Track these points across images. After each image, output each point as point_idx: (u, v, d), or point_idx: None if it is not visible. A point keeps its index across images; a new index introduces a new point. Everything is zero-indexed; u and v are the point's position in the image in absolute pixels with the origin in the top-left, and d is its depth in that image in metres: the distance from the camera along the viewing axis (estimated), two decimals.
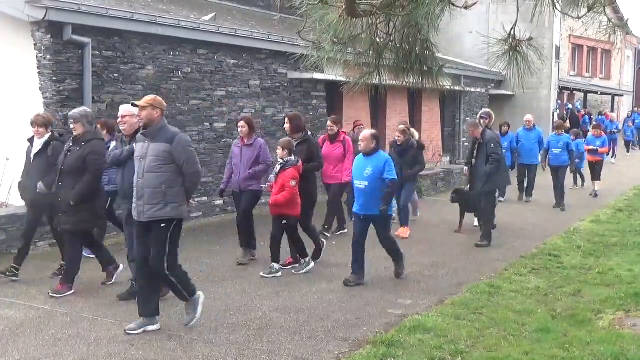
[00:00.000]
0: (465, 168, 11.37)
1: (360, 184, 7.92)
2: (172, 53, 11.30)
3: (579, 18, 5.20)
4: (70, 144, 7.32)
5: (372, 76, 5.25)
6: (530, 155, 14.68)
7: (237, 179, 8.86)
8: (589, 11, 5.07)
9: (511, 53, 4.84)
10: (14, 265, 7.76)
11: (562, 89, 30.03)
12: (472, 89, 22.30)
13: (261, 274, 8.15)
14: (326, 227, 10.52)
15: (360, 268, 7.97)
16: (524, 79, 4.89)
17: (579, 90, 33.91)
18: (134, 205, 6.19)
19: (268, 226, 8.49)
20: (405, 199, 10.95)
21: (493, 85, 24.83)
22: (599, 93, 36.09)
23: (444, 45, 5.71)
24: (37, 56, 9.62)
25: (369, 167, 7.85)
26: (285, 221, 8.18)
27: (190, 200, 6.44)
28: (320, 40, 5.01)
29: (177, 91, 11.44)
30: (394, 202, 8.24)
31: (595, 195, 15.60)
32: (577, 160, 15.02)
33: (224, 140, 12.35)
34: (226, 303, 7.08)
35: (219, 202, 12.10)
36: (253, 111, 13.02)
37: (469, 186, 11.25)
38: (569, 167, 14.09)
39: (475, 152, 10.45)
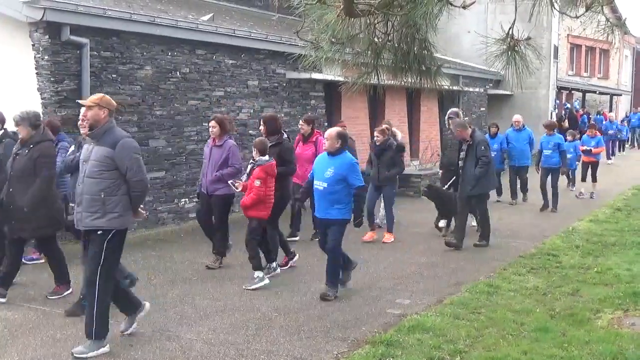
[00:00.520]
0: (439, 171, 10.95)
1: (319, 185, 7.42)
2: (170, 53, 11.29)
3: (577, 17, 5.21)
4: (19, 148, 6.94)
5: (371, 76, 5.25)
6: (522, 157, 14.18)
7: (205, 181, 8.61)
8: (587, 11, 5.08)
9: (509, 53, 4.85)
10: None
11: (560, 89, 30.04)
12: (471, 89, 22.32)
13: (244, 286, 7.70)
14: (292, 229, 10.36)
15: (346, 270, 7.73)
16: (522, 79, 4.89)
17: (577, 90, 33.91)
18: (74, 212, 5.83)
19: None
20: (388, 204, 10.60)
21: (491, 85, 24.85)
22: (597, 93, 36.10)
23: (442, 45, 5.72)
24: (35, 57, 9.61)
25: (331, 168, 7.34)
26: (252, 223, 7.83)
27: (141, 211, 6.05)
28: (319, 40, 5.01)
29: (175, 91, 11.43)
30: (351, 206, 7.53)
31: (591, 197, 15.40)
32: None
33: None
34: (225, 303, 7.08)
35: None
36: (251, 111, 13.02)
37: (446, 186, 10.97)
38: (561, 169, 13.63)
39: (464, 153, 10.09)
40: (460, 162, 10.16)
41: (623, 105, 42.30)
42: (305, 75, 14.09)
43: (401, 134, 12.34)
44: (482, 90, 23.71)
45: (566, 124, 26.18)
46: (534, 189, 14.41)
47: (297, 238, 10.25)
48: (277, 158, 8.22)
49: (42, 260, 7.90)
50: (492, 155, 13.65)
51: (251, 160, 8.02)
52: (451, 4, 4.52)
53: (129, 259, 8.71)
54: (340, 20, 4.57)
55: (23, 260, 7.60)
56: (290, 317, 6.66)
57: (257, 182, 7.70)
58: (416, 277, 8.33)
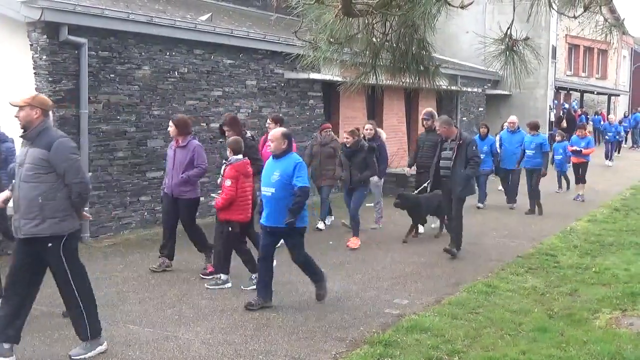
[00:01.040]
0: (407, 169, 10.69)
1: (266, 191, 6.87)
2: (168, 53, 11.29)
3: (575, 18, 5.21)
4: None
5: (369, 76, 5.25)
6: (514, 160, 13.44)
7: (170, 184, 8.22)
8: (585, 11, 5.08)
9: (507, 53, 4.85)
10: None
11: (558, 89, 30.09)
12: (469, 89, 22.33)
13: (206, 285, 7.61)
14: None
15: (265, 287, 6.98)
16: (521, 79, 4.88)
17: (576, 90, 33.98)
18: (12, 219, 5.47)
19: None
20: (354, 207, 10.10)
21: (489, 85, 24.87)
22: (595, 93, 36.17)
23: (440, 45, 5.73)
24: (33, 57, 9.60)
25: (276, 172, 6.82)
26: (230, 227, 7.55)
27: (85, 213, 5.78)
28: (317, 40, 5.00)
29: (173, 91, 11.42)
30: (307, 212, 7.04)
31: (582, 200, 14.75)
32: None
33: (221, 140, 12.31)
34: (223, 303, 7.08)
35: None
36: (250, 111, 13.02)
37: (418, 190, 10.69)
38: (541, 171, 13.04)
39: (451, 153, 9.54)
40: (447, 161, 9.57)
41: (621, 106, 42.37)
42: (303, 75, 14.09)
43: (385, 135, 12.12)
44: (480, 90, 23.72)
45: (564, 124, 26.22)
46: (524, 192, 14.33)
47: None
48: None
49: None
50: (481, 157, 13.61)
51: (224, 161, 7.75)
52: (449, 4, 4.52)
53: (127, 259, 8.71)
54: (339, 20, 4.57)
55: None
56: (288, 317, 6.66)
57: (228, 182, 7.38)
58: (414, 277, 8.33)
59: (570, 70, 33.46)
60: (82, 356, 5.50)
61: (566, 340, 5.97)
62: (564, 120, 26.90)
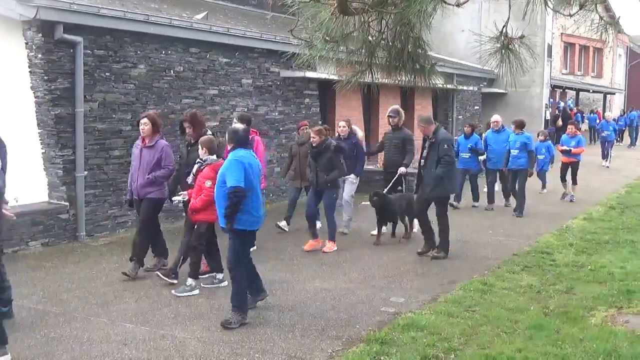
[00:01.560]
0: (403, 169, 10.26)
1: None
2: (164, 52, 11.27)
3: (570, 16, 5.22)
4: None
5: (365, 74, 5.24)
6: (502, 160, 13.07)
7: (135, 185, 7.93)
8: (580, 9, 5.09)
9: (503, 51, 4.85)
10: None
11: (554, 87, 30.13)
12: (465, 87, 22.36)
13: (173, 291, 7.32)
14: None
15: (250, 287, 6.77)
16: (516, 77, 4.90)
17: (571, 89, 34.03)
18: None
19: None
20: (329, 210, 9.57)
21: (485, 83, 24.91)
22: (590, 91, 36.24)
23: (436, 44, 5.73)
24: (28, 55, 9.58)
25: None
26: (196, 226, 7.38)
27: (7, 212, 5.56)
28: (313, 39, 5.00)
29: (169, 90, 11.41)
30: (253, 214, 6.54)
31: (571, 200, 14.45)
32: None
33: (222, 138, 12.33)
34: (219, 302, 7.07)
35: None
36: (246, 110, 13.00)
37: (386, 189, 10.30)
38: (528, 171, 12.75)
39: (425, 152, 9.25)
40: (421, 160, 9.30)
41: (616, 104, 42.47)
42: (299, 74, 14.09)
43: (361, 133, 11.71)
44: (476, 88, 23.76)
45: (560, 122, 26.27)
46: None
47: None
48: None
49: None
50: (466, 156, 13.25)
51: (198, 160, 7.44)
52: (445, 2, 4.53)
53: (123, 257, 8.70)
54: (334, 18, 4.57)
55: None
56: (285, 315, 6.66)
57: (208, 183, 7.14)
58: (410, 275, 8.34)
59: (566, 69, 33.53)
60: None
61: (562, 338, 5.98)
62: (560, 119, 26.95)
